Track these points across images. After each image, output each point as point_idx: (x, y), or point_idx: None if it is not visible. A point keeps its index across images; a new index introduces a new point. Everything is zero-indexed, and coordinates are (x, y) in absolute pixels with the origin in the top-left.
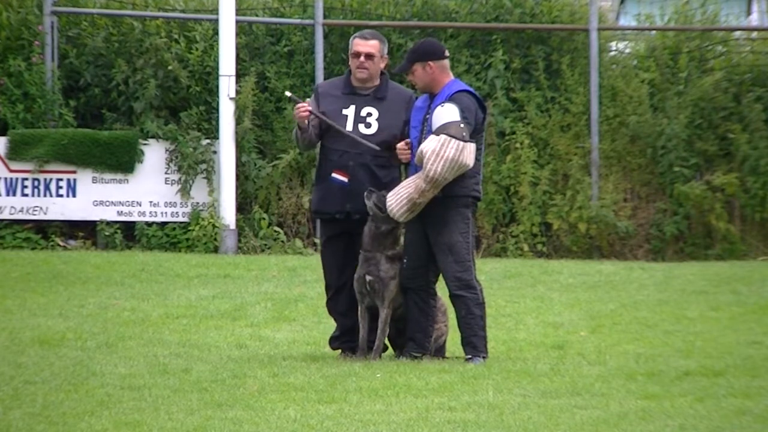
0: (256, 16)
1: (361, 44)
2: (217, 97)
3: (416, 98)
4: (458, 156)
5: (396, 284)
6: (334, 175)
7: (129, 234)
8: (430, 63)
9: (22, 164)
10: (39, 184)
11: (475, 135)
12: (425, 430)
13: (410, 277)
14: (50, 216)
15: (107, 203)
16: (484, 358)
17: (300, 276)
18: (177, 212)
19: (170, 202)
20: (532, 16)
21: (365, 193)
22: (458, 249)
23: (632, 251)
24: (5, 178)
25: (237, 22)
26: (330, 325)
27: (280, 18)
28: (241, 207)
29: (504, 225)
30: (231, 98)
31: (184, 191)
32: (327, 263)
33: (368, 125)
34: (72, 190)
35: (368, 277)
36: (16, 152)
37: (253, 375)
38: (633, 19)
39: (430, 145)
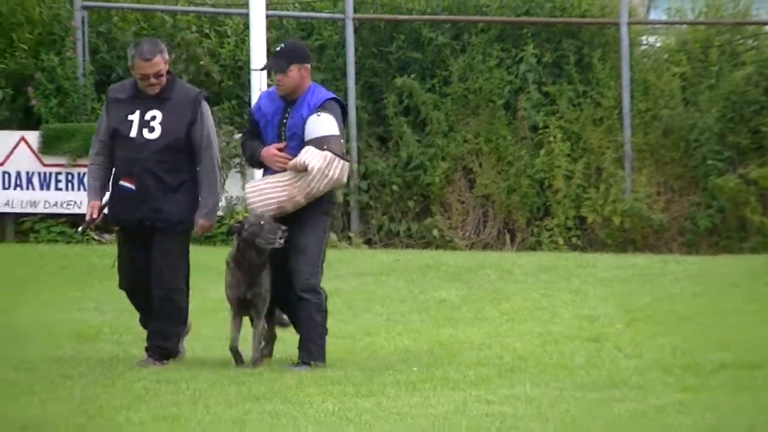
0: (287, 10)
1: (146, 66)
2: (249, 91)
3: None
4: (341, 176)
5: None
6: (121, 182)
7: None
8: (306, 66)
9: (56, 158)
10: (72, 178)
11: None
12: (463, 423)
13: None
14: (84, 210)
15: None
16: (314, 365)
17: (334, 270)
18: None
19: None
20: (562, 10)
21: (241, 227)
22: (311, 251)
23: (666, 244)
24: (39, 173)
25: (268, 16)
26: (368, 319)
27: (310, 12)
28: None
29: (538, 218)
30: (262, 91)
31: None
32: (120, 267)
33: (152, 129)
34: None
35: (249, 296)
36: (49, 146)
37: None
38: (663, 13)
39: (315, 161)
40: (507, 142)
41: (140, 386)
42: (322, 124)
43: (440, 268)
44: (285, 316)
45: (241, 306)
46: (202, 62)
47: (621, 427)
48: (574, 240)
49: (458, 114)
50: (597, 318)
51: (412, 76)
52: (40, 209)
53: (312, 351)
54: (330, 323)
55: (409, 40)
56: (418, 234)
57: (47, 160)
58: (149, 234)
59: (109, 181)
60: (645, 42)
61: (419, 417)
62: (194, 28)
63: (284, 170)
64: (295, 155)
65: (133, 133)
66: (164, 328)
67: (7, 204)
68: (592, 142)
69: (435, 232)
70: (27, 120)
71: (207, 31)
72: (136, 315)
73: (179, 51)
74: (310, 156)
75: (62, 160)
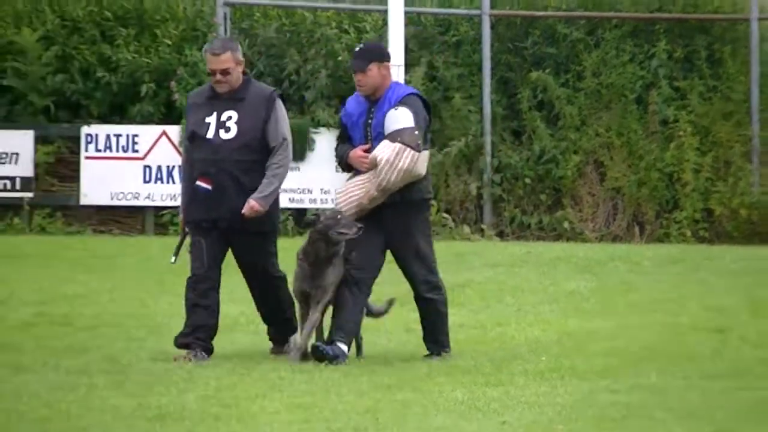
0: (425, 6)
1: (214, 61)
2: None
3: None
4: (412, 166)
5: (334, 287)
6: (198, 183)
7: (301, 220)
8: (386, 64)
9: None
10: None
11: (423, 136)
12: (589, 412)
13: (359, 267)
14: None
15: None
16: (445, 353)
17: (467, 262)
18: None
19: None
20: (695, 7)
21: (316, 219)
22: (424, 253)
23: None
24: (179, 166)
25: (406, 12)
26: (499, 310)
27: (448, 8)
28: None
29: (667, 211)
30: None
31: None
32: (195, 252)
33: (227, 129)
34: None
35: (312, 291)
36: None
37: (422, 358)
38: None
39: (384, 153)
40: (638, 135)
41: (275, 376)
42: (399, 118)
43: (570, 260)
44: (375, 307)
45: (305, 299)
46: (340, 57)
47: (745, 415)
48: (701, 232)
49: (591, 108)
50: (723, 309)
51: (547, 71)
52: (179, 202)
53: (443, 342)
54: (462, 313)
55: (544, 35)
56: (550, 226)
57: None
58: (225, 234)
59: None
60: None
61: (546, 406)
62: (334, 24)
63: (368, 170)
64: None
65: (210, 135)
66: (279, 322)
67: (147, 197)
68: (721, 136)
69: (566, 225)
70: (169, 114)
71: (346, 27)
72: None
73: (319, 46)
74: (381, 149)
75: None
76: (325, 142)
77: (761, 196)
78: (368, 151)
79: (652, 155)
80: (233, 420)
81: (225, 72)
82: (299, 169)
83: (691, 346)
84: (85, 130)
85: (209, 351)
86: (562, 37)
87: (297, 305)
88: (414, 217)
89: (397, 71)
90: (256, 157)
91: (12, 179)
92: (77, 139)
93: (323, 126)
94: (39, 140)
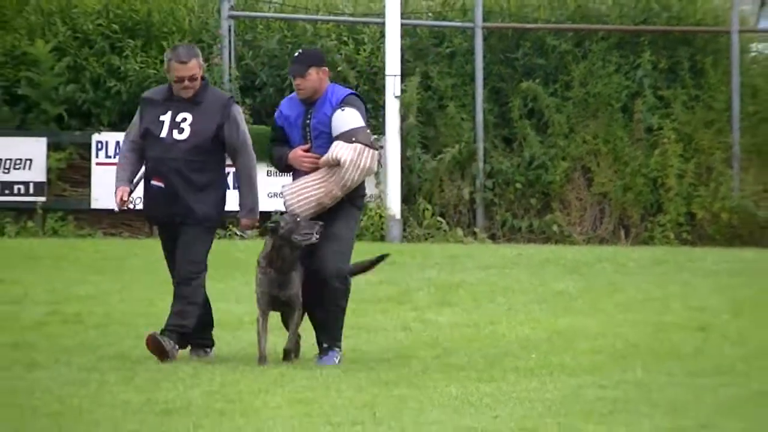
0: (420, 19)
1: (182, 69)
2: (384, 95)
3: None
4: (372, 164)
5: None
6: (152, 182)
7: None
8: (324, 68)
9: None
10: None
11: None
12: (577, 407)
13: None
14: (228, 207)
15: (280, 195)
16: (340, 348)
17: (460, 263)
18: None
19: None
20: (678, 19)
21: (277, 226)
22: (342, 240)
23: None
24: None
25: (402, 25)
26: (491, 309)
27: (442, 21)
28: (406, 198)
29: (651, 214)
30: (396, 97)
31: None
32: (168, 258)
33: (181, 130)
34: None
35: (283, 297)
36: None
37: (418, 355)
38: None
39: (345, 154)
40: (623, 143)
41: (277, 372)
42: (348, 118)
43: (559, 262)
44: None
45: (270, 304)
46: (339, 68)
47: (727, 410)
48: (684, 235)
49: (578, 117)
50: (705, 309)
51: (537, 81)
52: None
53: (336, 335)
54: (455, 313)
55: (534, 47)
56: (539, 229)
57: None
58: (179, 228)
59: (136, 174)
60: (755, 49)
61: (536, 401)
62: (333, 36)
63: (314, 170)
64: (323, 153)
65: (164, 134)
66: (182, 309)
67: None
68: (703, 143)
69: (555, 228)
70: None
71: (345, 38)
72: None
73: None
74: (341, 149)
75: None
76: None
77: (741, 201)
78: (308, 150)
79: (637, 161)
80: (237, 414)
81: (192, 78)
82: None
83: (675, 343)
84: (95, 137)
85: (210, 346)
86: (551, 48)
87: (259, 312)
88: (345, 207)
89: (393, 81)
90: (206, 158)
91: (26, 184)
92: (88, 146)
93: None
94: (51, 147)
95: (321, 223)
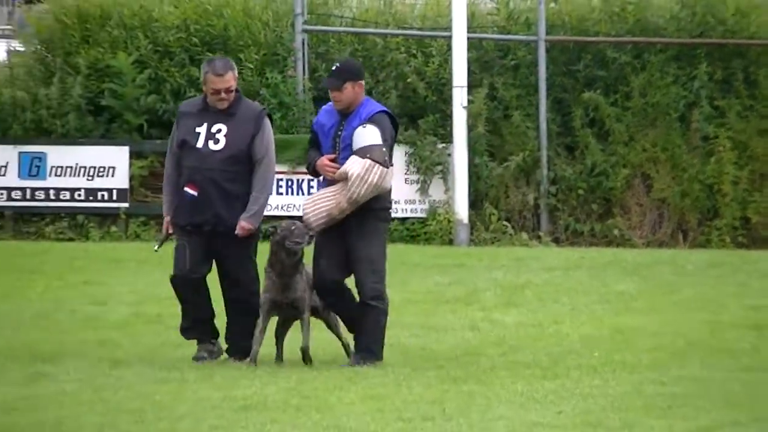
0: (486, 33)
1: (218, 81)
2: (451, 105)
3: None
4: (380, 181)
5: (309, 291)
6: (185, 189)
7: None
8: (360, 82)
9: (278, 166)
10: (292, 183)
11: (389, 152)
12: (638, 402)
13: (330, 274)
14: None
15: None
16: (377, 362)
17: (526, 266)
18: (416, 209)
19: (410, 200)
20: (733, 33)
21: (274, 231)
22: (376, 261)
23: None
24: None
25: (468, 38)
26: (555, 309)
27: (506, 35)
28: (474, 204)
29: (708, 219)
30: (464, 107)
31: (423, 190)
32: (178, 254)
33: (216, 141)
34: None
35: (286, 301)
36: None
37: (486, 353)
38: None
39: (354, 168)
40: (681, 150)
41: (350, 370)
42: (366, 135)
43: (620, 264)
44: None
45: (274, 308)
46: (409, 79)
47: None
48: (740, 238)
49: (638, 125)
50: (760, 308)
51: (597, 91)
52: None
53: (375, 351)
54: (521, 313)
55: (595, 59)
56: (601, 233)
57: None
58: (208, 237)
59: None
60: None
61: (599, 397)
62: (402, 49)
63: (334, 180)
64: None
65: (200, 144)
66: (242, 328)
67: None
68: (757, 151)
69: (616, 232)
70: None
71: (414, 51)
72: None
73: (389, 69)
74: (351, 164)
75: (284, 168)
76: (395, 156)
77: None
78: (334, 160)
79: (694, 168)
80: (312, 410)
81: (228, 90)
82: None
83: (731, 341)
84: None
85: (216, 336)
86: (611, 60)
87: (261, 315)
88: (371, 224)
89: (460, 92)
90: (240, 168)
91: (109, 191)
92: None
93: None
94: (133, 155)
95: (312, 233)
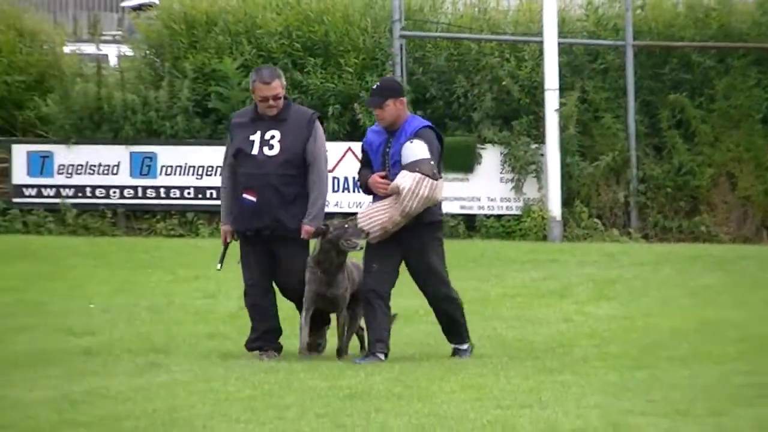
0: (576, 38)
1: (265, 89)
2: (544, 108)
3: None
4: (431, 193)
5: (348, 292)
6: (244, 195)
7: (470, 225)
8: (401, 99)
9: None
10: None
11: (438, 166)
12: (726, 391)
13: (379, 281)
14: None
15: (451, 199)
16: (466, 344)
17: (617, 261)
18: (511, 206)
19: (505, 198)
20: None
21: (326, 230)
22: (436, 269)
23: None
24: (335, 178)
25: (559, 43)
26: (645, 302)
27: (596, 40)
28: (566, 201)
29: None
30: (555, 110)
31: (517, 188)
32: (245, 264)
33: (271, 147)
34: None
35: (329, 295)
36: None
37: (579, 344)
38: None
39: (406, 182)
40: (764, 151)
41: (450, 361)
42: (414, 150)
43: (706, 259)
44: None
45: (316, 302)
46: (503, 83)
47: None
48: None
49: (722, 127)
50: None
51: (683, 94)
52: (362, 209)
53: (464, 336)
54: (612, 306)
55: (680, 63)
56: (688, 229)
57: None
58: (268, 240)
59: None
60: None
61: (688, 387)
62: (496, 54)
63: (386, 195)
64: None
65: (255, 151)
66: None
67: (336, 204)
68: None
69: (702, 228)
70: (353, 132)
71: (507, 56)
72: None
73: (483, 73)
74: (403, 179)
75: None
76: (490, 156)
77: None
78: (385, 177)
79: None
80: (414, 399)
81: (276, 97)
82: (468, 180)
83: None
84: None
85: (279, 350)
86: (696, 64)
87: (305, 307)
88: (427, 237)
89: (552, 95)
90: (295, 171)
91: (217, 189)
92: None
93: (489, 142)
94: None
95: (367, 232)
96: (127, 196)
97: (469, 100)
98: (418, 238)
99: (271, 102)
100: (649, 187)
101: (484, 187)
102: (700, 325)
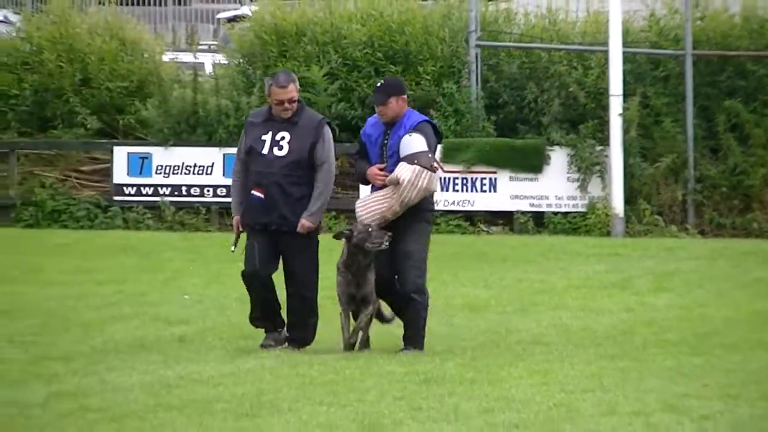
0: (639, 47)
1: (281, 93)
2: (608, 112)
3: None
4: (429, 185)
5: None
6: (253, 192)
7: (539, 221)
8: (403, 96)
9: (453, 166)
10: (467, 181)
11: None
12: None
13: (379, 272)
14: (476, 207)
15: (522, 197)
16: (413, 350)
17: (674, 255)
18: (577, 204)
19: (571, 196)
20: None
21: (350, 234)
22: (416, 256)
23: None
24: (441, 177)
25: (623, 52)
26: (700, 293)
27: (657, 49)
28: (628, 199)
29: None
30: (619, 114)
31: (583, 187)
32: (248, 256)
33: (280, 147)
34: (493, 186)
35: (359, 296)
36: (449, 156)
37: (639, 332)
38: None
39: (405, 174)
40: None
41: (519, 348)
42: (413, 143)
43: (759, 254)
44: (386, 313)
45: (351, 302)
46: (570, 89)
47: None
48: None
49: None
50: None
51: (738, 100)
52: (440, 206)
53: (416, 342)
54: (670, 297)
55: (736, 71)
56: (741, 226)
57: (447, 167)
58: (275, 236)
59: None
60: None
61: (740, 372)
62: (565, 62)
63: (384, 186)
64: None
65: (265, 151)
66: (298, 320)
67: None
68: None
69: (755, 225)
70: None
71: (575, 64)
72: (515, 290)
73: (552, 80)
74: (401, 170)
75: (458, 168)
76: (558, 157)
77: None
78: (383, 169)
79: None
80: (485, 383)
81: (291, 101)
82: (537, 180)
83: None
84: None
85: (282, 325)
86: (750, 72)
87: (341, 308)
88: (411, 222)
89: (617, 100)
90: (302, 172)
91: None
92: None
93: (556, 145)
94: None
95: (390, 233)
96: (220, 194)
97: (538, 105)
98: (402, 223)
99: (287, 105)
100: (706, 187)
101: (552, 186)
102: (752, 316)
